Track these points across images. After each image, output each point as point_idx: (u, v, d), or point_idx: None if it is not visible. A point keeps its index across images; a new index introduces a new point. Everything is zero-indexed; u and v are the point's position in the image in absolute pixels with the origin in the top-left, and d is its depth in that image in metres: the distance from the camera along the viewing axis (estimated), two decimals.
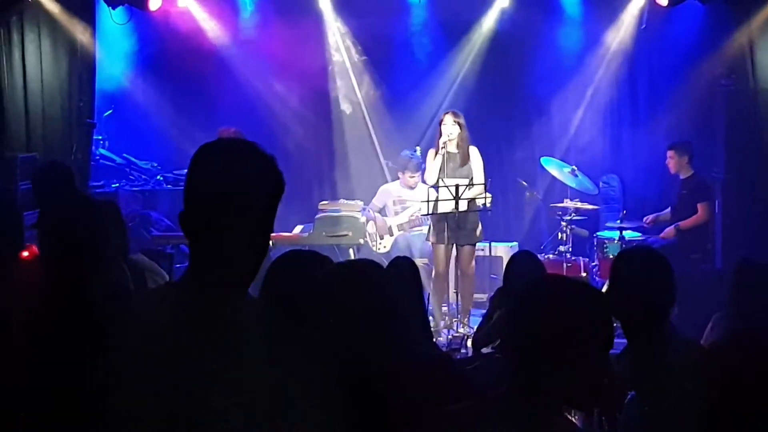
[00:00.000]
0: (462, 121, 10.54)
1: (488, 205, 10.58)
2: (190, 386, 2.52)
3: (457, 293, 10.53)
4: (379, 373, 3.34)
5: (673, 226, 11.36)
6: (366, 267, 3.69)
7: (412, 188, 12.05)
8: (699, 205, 11.31)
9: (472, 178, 10.40)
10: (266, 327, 2.66)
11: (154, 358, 2.56)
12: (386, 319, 3.46)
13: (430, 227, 10.90)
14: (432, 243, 10.78)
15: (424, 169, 11.02)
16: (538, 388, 3.03)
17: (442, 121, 10.59)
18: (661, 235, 11.44)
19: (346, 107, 13.88)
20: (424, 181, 11.19)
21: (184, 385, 2.53)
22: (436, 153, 10.55)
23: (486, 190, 10.51)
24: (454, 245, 10.49)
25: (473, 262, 10.81)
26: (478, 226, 10.64)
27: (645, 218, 11.78)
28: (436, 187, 10.43)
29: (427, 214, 10.61)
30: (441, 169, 10.41)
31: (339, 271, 3.67)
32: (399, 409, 3.37)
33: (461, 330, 10.16)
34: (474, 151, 10.62)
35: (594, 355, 3.06)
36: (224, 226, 2.63)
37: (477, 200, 10.53)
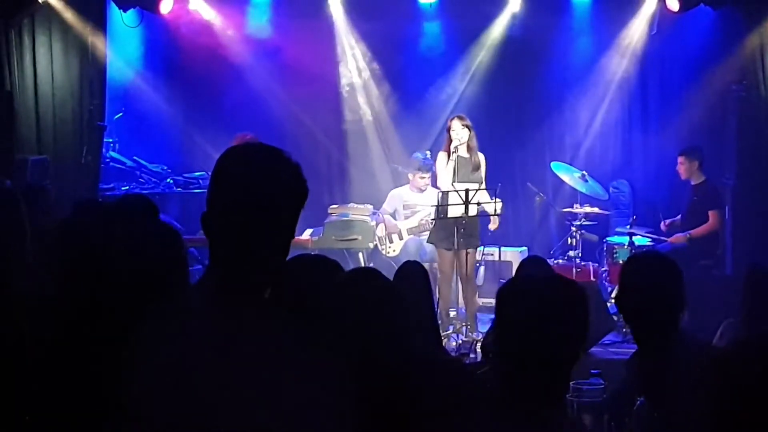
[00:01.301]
0: (470, 123, 10.52)
1: (499, 211, 10.55)
2: (210, 391, 2.53)
3: (467, 298, 10.53)
4: (391, 377, 3.35)
5: (684, 234, 11.31)
6: (371, 277, 3.71)
7: (422, 190, 12.02)
8: (710, 213, 11.26)
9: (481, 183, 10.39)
10: (283, 331, 2.66)
11: (173, 361, 2.56)
12: (396, 325, 3.48)
13: (432, 230, 10.89)
14: (436, 247, 10.76)
15: (435, 172, 11.03)
16: (526, 386, 3.07)
17: (449, 127, 10.55)
18: (671, 239, 11.40)
19: (356, 111, 13.88)
20: (435, 185, 11.19)
21: (203, 390, 2.53)
22: (448, 157, 10.50)
23: (496, 195, 10.48)
24: (454, 250, 10.45)
25: (474, 267, 10.77)
26: (477, 230, 10.60)
27: (664, 222, 11.74)
28: (445, 192, 10.39)
29: (436, 219, 10.57)
30: (454, 174, 10.38)
31: (346, 282, 3.69)
32: (412, 413, 3.38)
33: (470, 335, 10.15)
34: (481, 158, 10.61)
35: (573, 347, 3.11)
36: (247, 231, 2.64)
37: (486, 206, 10.51)
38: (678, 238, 11.33)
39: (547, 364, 3.07)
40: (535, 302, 3.12)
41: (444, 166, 10.55)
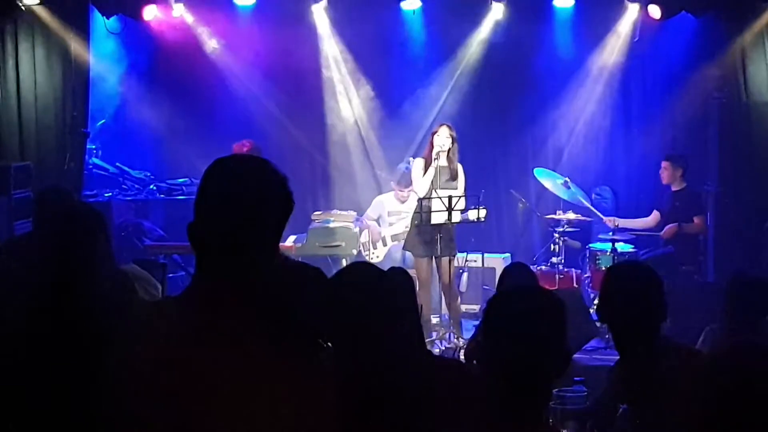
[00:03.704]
0: (455, 135, 10.53)
1: (482, 218, 10.57)
2: (194, 401, 2.53)
3: (449, 305, 10.54)
4: (384, 381, 3.37)
5: (675, 225, 11.38)
6: (364, 274, 3.73)
7: (402, 202, 12.06)
8: (696, 218, 11.38)
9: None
10: (270, 341, 2.67)
11: (157, 371, 2.57)
12: (389, 325, 3.50)
13: (407, 237, 10.89)
14: (413, 254, 10.76)
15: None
16: (513, 398, 3.10)
17: (436, 132, 10.55)
18: (663, 232, 11.46)
19: (340, 118, 13.87)
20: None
21: (187, 400, 2.54)
22: (426, 163, 10.51)
23: (479, 202, 10.50)
24: (433, 257, 10.44)
25: (454, 274, 10.77)
26: (454, 237, 10.61)
27: (609, 219, 11.81)
28: (427, 198, 10.38)
29: (416, 226, 10.57)
30: (432, 181, 10.39)
31: (340, 281, 3.71)
32: (409, 415, 3.40)
33: (454, 341, 10.16)
34: (460, 168, 10.62)
35: (553, 358, 3.14)
36: (233, 242, 2.67)
37: (468, 214, 10.52)
38: (671, 228, 11.39)
39: (527, 376, 3.10)
40: (516, 314, 3.15)
41: (420, 173, 10.56)
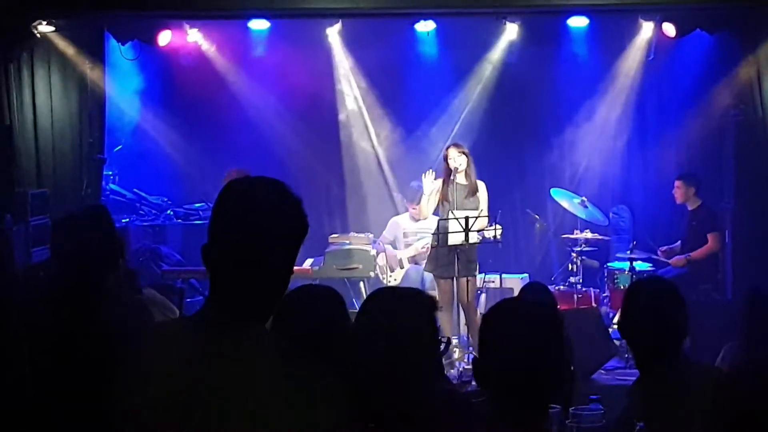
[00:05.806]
0: (467, 151, 10.55)
1: (498, 237, 10.56)
2: (206, 420, 2.53)
3: (468, 326, 10.52)
4: (394, 408, 3.37)
5: (683, 256, 11.39)
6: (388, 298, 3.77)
7: (416, 220, 12.09)
8: (709, 236, 11.33)
9: (481, 210, 10.40)
10: (283, 362, 2.67)
11: (170, 390, 2.58)
12: (402, 354, 3.50)
13: (428, 259, 10.88)
14: (433, 276, 10.76)
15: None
16: (511, 412, 3.14)
17: (447, 155, 10.58)
18: (671, 261, 11.46)
19: (355, 140, 13.90)
20: (435, 213, 11.21)
21: (199, 419, 2.54)
22: (444, 184, 10.51)
23: (496, 222, 10.49)
24: (453, 278, 10.43)
25: (474, 294, 10.76)
26: (476, 257, 10.60)
27: (660, 249, 11.78)
28: (445, 219, 10.40)
29: (435, 246, 10.56)
30: (449, 201, 10.39)
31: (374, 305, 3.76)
32: None
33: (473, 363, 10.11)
34: (481, 185, 10.61)
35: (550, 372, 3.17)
36: (248, 263, 2.67)
37: (485, 233, 10.51)
38: (678, 260, 11.40)
39: (522, 390, 3.15)
40: (506, 328, 3.21)
41: (428, 193, 10.62)
